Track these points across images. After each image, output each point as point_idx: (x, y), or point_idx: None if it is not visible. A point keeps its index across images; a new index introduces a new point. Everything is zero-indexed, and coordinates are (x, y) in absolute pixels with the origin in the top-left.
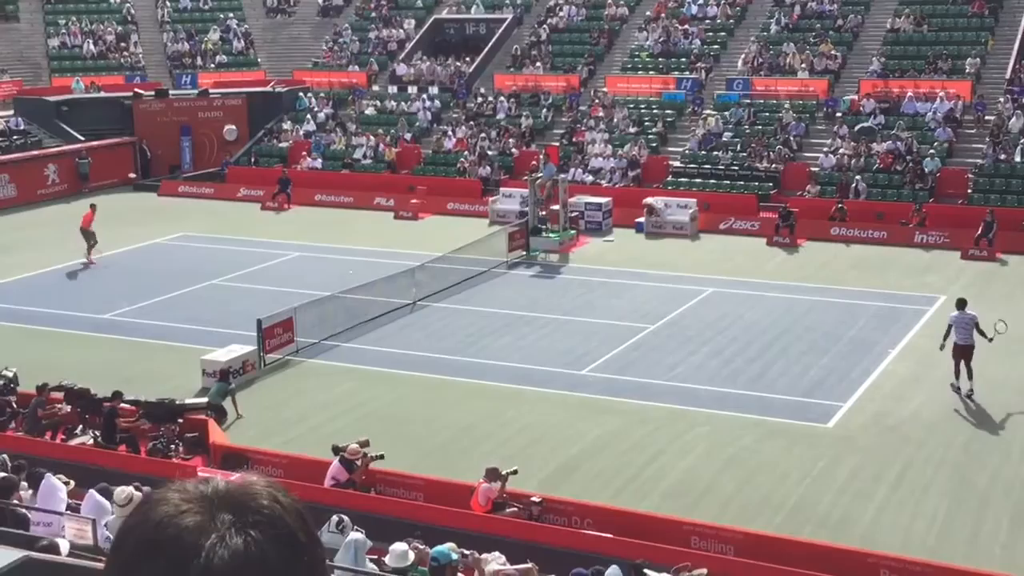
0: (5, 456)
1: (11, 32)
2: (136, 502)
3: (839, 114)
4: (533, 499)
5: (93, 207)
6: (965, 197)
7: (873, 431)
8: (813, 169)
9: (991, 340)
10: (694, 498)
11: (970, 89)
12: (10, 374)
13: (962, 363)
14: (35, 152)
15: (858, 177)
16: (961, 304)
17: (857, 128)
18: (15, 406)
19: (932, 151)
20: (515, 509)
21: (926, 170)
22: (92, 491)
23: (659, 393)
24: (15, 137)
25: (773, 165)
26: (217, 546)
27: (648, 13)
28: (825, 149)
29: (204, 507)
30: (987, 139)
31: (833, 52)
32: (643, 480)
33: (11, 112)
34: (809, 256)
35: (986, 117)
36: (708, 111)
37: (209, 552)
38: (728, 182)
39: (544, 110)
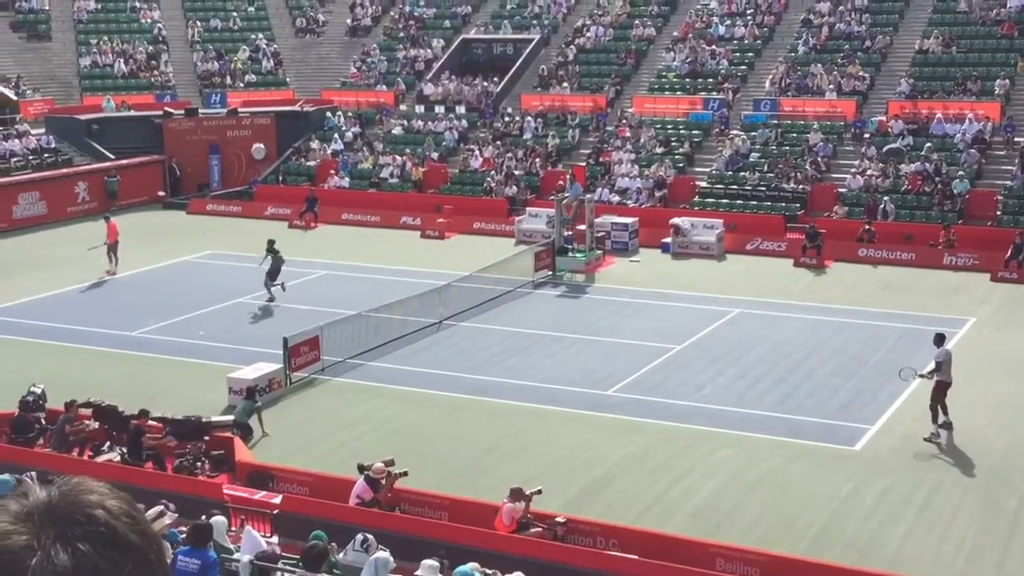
0: (32, 474)
1: (43, 51)
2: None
3: (867, 135)
4: (557, 519)
5: (111, 219)
6: (994, 219)
7: (901, 454)
8: (841, 190)
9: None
10: (720, 520)
11: (999, 111)
12: (39, 390)
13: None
14: (65, 170)
15: (886, 198)
16: (941, 339)
17: (885, 149)
18: (44, 422)
19: (961, 173)
20: (539, 529)
21: (955, 192)
22: None
23: (685, 414)
24: (46, 155)
25: (800, 186)
26: (43, 564)
27: (675, 34)
28: (853, 170)
29: (29, 526)
30: (1016, 161)
31: (861, 73)
32: (668, 501)
33: (43, 130)
34: (836, 277)
35: (1015, 139)
36: (735, 131)
37: (35, 572)
38: (755, 203)
39: (571, 130)
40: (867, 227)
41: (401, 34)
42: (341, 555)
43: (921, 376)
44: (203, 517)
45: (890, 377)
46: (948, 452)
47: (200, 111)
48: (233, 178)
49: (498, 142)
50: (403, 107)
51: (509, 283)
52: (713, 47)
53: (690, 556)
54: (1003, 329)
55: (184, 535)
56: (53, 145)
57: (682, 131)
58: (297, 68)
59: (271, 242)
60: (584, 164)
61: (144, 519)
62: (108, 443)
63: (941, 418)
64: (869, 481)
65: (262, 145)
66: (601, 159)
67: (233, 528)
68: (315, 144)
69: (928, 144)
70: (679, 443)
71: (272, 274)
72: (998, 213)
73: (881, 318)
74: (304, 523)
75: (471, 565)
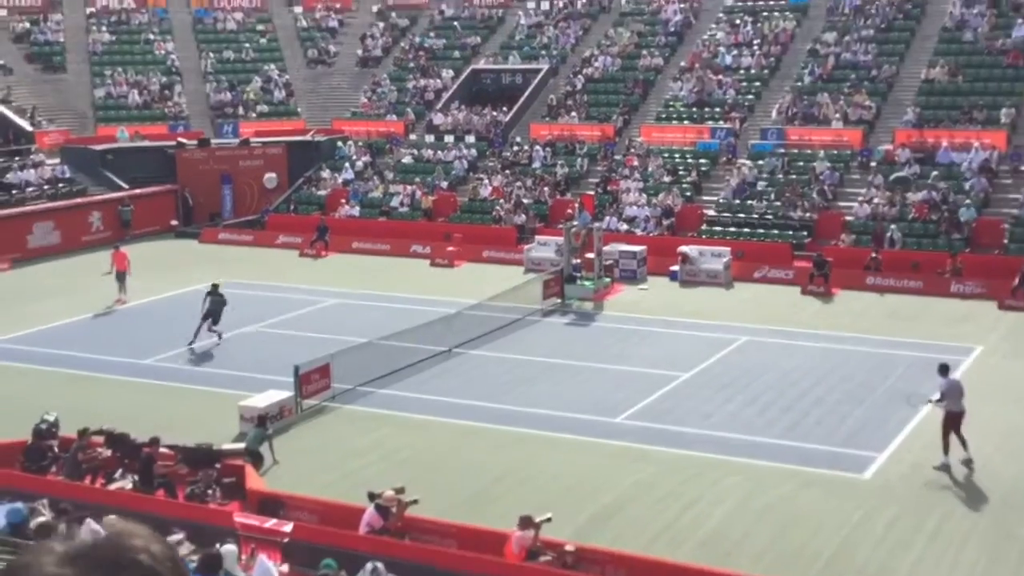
0: (45, 501)
1: (59, 83)
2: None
3: (874, 164)
4: (567, 547)
5: (121, 248)
6: (1001, 247)
7: (910, 482)
8: (848, 218)
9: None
10: (729, 548)
11: (1005, 139)
12: (51, 418)
13: (951, 434)
14: (80, 200)
15: (893, 226)
16: (946, 369)
17: (892, 178)
18: (56, 450)
19: (968, 201)
20: (549, 558)
21: (961, 220)
22: None
23: (693, 442)
24: (60, 185)
25: (807, 214)
26: None
27: (682, 63)
28: (860, 198)
29: (75, 569)
30: (1023, 189)
31: (867, 102)
32: (678, 529)
33: (57, 160)
34: (844, 305)
35: (1021, 167)
36: (742, 160)
37: None
38: (762, 231)
39: (579, 159)
40: (874, 255)
41: (411, 64)
42: None
43: (931, 402)
44: (217, 545)
45: (898, 405)
46: (957, 480)
47: (212, 141)
48: (245, 207)
49: (507, 171)
50: (413, 136)
51: (518, 311)
52: (720, 77)
53: None
54: (1011, 357)
55: (195, 564)
56: (68, 175)
57: (689, 160)
58: (308, 98)
59: (215, 286)
60: (592, 193)
61: (184, 565)
62: (120, 471)
63: (962, 454)
64: (879, 509)
65: (274, 174)
66: (609, 188)
67: (244, 556)
68: (326, 173)
69: (935, 172)
70: (688, 471)
71: (211, 316)
72: (1005, 241)
73: (889, 346)
74: (314, 551)
75: None
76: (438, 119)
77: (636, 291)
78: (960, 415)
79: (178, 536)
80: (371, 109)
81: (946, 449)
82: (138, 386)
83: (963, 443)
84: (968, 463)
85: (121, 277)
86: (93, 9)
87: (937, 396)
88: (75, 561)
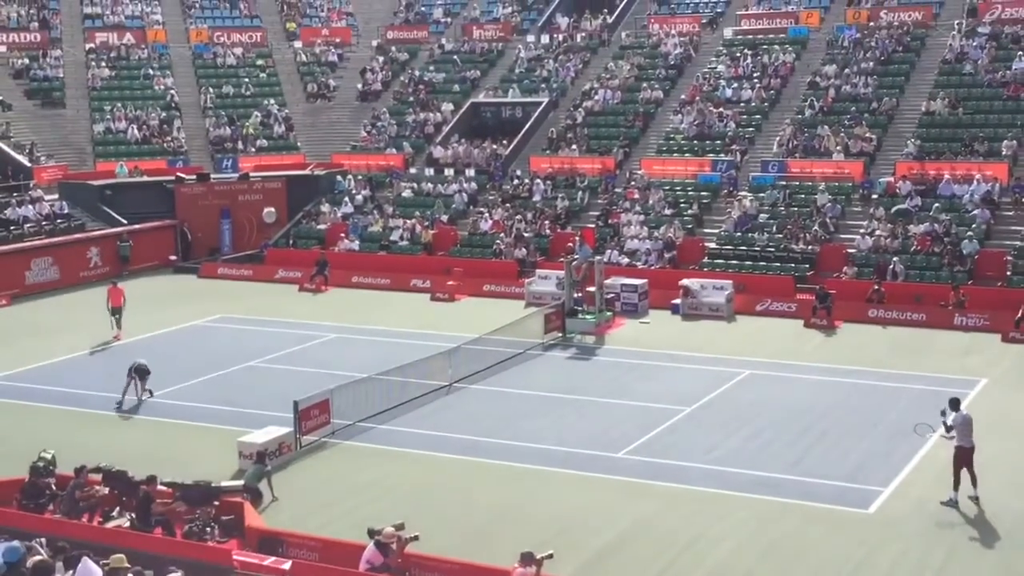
0: (43, 539)
1: (57, 118)
2: None
3: (875, 196)
4: None
5: (118, 284)
6: (1005, 279)
7: (915, 517)
8: (850, 251)
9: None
10: None
11: (1007, 171)
12: (49, 456)
13: (963, 470)
14: (78, 235)
15: (895, 259)
16: (956, 404)
17: (894, 210)
18: (54, 488)
19: (970, 233)
20: None
21: (964, 252)
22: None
23: (696, 477)
24: (59, 221)
25: (809, 247)
26: None
27: (683, 96)
28: (861, 231)
29: None
30: None
31: (868, 135)
32: (680, 566)
33: (56, 196)
34: (847, 338)
35: (1023, 199)
36: (743, 193)
37: None
38: (764, 263)
39: (580, 192)
40: (877, 288)
41: (411, 98)
42: None
43: (944, 429)
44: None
45: (903, 438)
46: (963, 515)
47: (212, 176)
48: (244, 242)
49: (507, 204)
50: (413, 170)
51: (519, 345)
52: (721, 109)
53: None
54: (1016, 390)
55: None
56: (67, 211)
57: (691, 192)
58: (308, 132)
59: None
60: (593, 226)
61: None
62: (118, 508)
63: (971, 491)
64: (884, 545)
65: (273, 209)
66: (610, 221)
67: None
68: (325, 207)
69: (936, 205)
70: (691, 506)
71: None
72: (1008, 273)
73: (892, 379)
74: None
75: None
76: (438, 152)
77: (638, 325)
78: (971, 451)
79: (176, 575)
80: (371, 143)
81: (956, 485)
82: (136, 423)
83: (973, 480)
84: (976, 500)
85: (116, 312)
86: (93, 45)
87: (949, 423)
88: None
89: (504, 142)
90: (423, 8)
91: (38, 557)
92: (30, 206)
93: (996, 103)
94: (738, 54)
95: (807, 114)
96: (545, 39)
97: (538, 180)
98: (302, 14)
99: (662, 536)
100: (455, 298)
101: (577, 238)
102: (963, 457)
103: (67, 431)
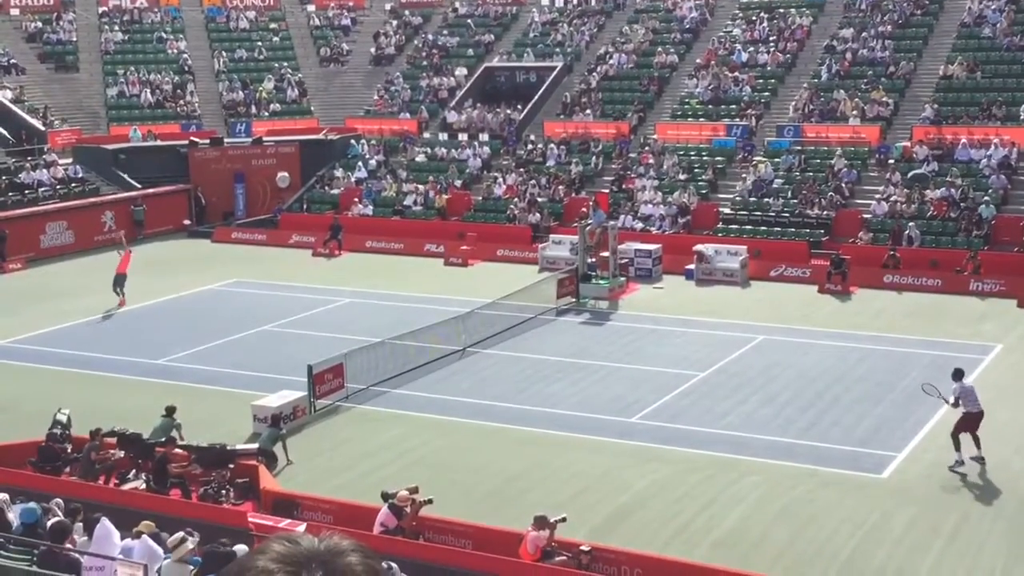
0: (59, 501)
1: (71, 82)
2: (185, 547)
3: (891, 161)
4: (582, 548)
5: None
6: (1021, 245)
7: (928, 482)
8: (865, 216)
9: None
10: (745, 549)
11: None
12: (64, 418)
13: (967, 434)
14: (92, 199)
15: (911, 224)
16: (960, 374)
17: (910, 175)
18: (69, 451)
19: (987, 198)
20: (564, 558)
21: (981, 217)
22: (145, 536)
23: (709, 442)
24: (73, 185)
25: (824, 212)
26: None
27: (698, 60)
28: (877, 196)
29: (295, 567)
30: None
31: (885, 99)
32: (694, 530)
33: (70, 160)
34: (862, 304)
35: None
36: (758, 158)
37: None
38: (779, 229)
39: (594, 157)
40: (892, 253)
41: (424, 63)
42: None
43: (946, 403)
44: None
45: (917, 404)
46: (975, 481)
47: (225, 140)
48: (258, 207)
49: (521, 169)
50: (426, 135)
51: (532, 310)
52: (736, 74)
53: None
54: None
55: (205, 563)
56: (80, 175)
57: (705, 157)
58: (321, 97)
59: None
60: (607, 191)
61: None
62: (134, 471)
63: (974, 451)
64: (897, 509)
65: (286, 173)
66: (624, 186)
67: None
68: (339, 172)
69: (953, 169)
70: (704, 471)
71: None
72: None
73: (907, 345)
74: None
75: None
76: (452, 117)
77: (651, 290)
78: (980, 415)
79: (181, 535)
80: (384, 107)
81: (957, 446)
82: (152, 386)
83: (976, 442)
84: (980, 460)
85: (120, 279)
86: (105, 8)
87: (952, 400)
88: (294, 560)
89: (518, 107)
90: None
91: (55, 518)
92: (44, 170)
93: (1015, 67)
94: (754, 17)
95: (823, 78)
96: (559, 3)
97: (552, 145)
98: None
99: (675, 500)
100: (468, 263)
101: (591, 203)
102: (971, 421)
103: (83, 394)
